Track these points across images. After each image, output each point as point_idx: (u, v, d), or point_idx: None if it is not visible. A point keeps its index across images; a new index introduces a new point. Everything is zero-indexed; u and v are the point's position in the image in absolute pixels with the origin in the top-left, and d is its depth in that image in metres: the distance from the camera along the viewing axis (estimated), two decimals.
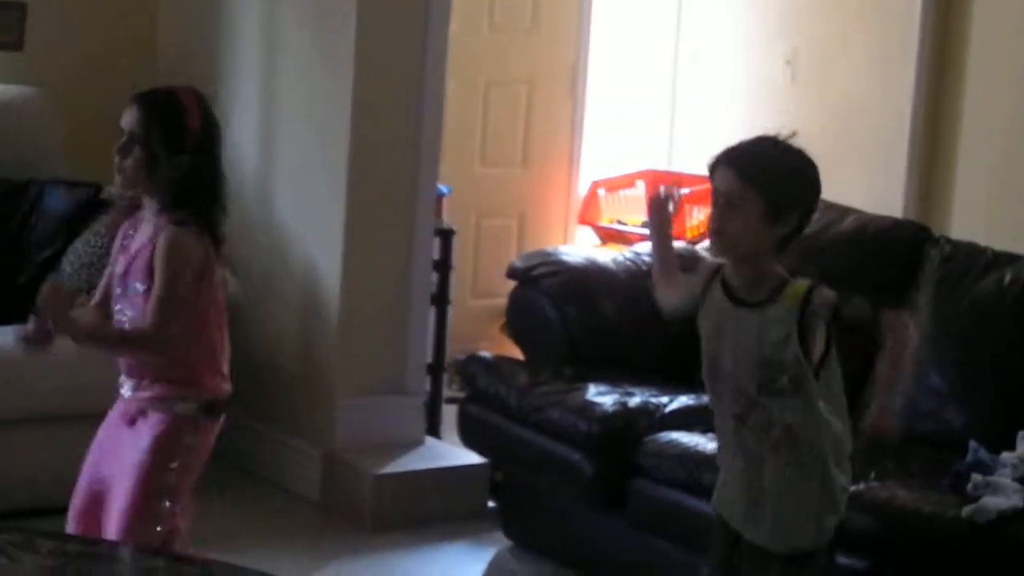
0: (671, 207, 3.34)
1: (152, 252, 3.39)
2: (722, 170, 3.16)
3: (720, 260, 3.26)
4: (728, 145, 3.19)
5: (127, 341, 3.47)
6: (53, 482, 4.69)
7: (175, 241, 3.38)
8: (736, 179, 3.12)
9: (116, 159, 3.43)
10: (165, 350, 3.42)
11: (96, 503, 3.52)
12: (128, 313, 3.46)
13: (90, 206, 5.14)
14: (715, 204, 3.16)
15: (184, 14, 5.95)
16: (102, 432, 3.58)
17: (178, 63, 5.65)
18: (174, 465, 3.46)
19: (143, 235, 3.47)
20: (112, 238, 3.64)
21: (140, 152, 3.40)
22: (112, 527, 3.44)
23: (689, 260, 3.40)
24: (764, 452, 3.19)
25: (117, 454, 3.50)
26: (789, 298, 3.13)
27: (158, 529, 3.43)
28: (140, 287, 3.42)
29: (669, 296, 3.36)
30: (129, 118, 3.43)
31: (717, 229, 3.16)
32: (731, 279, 3.21)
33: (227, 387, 3.54)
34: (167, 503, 3.45)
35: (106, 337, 3.52)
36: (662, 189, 3.40)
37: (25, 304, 4.99)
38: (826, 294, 3.13)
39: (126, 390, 3.52)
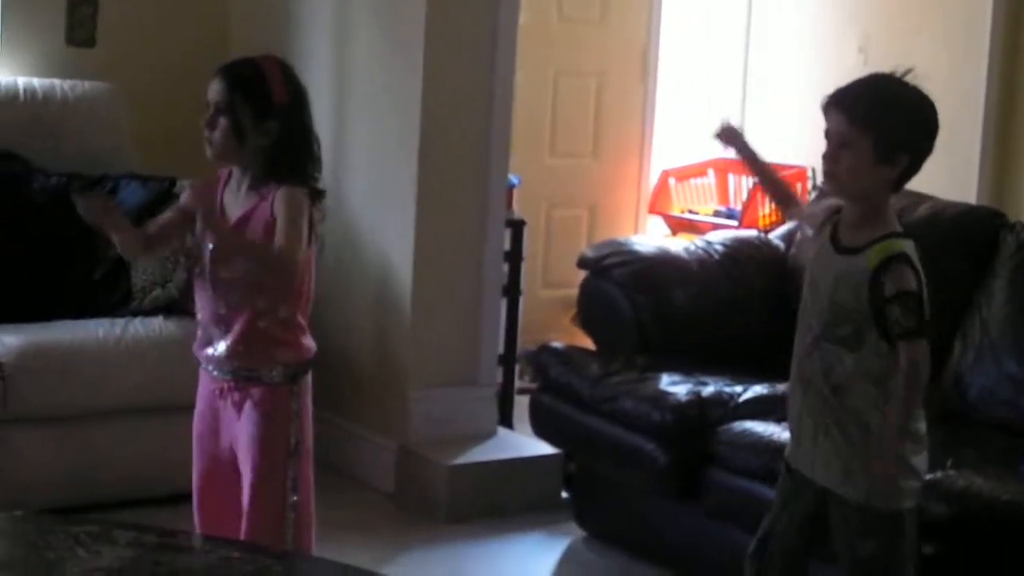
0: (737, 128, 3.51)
1: (266, 216, 3.37)
2: (833, 111, 3.19)
3: (838, 202, 3.29)
4: (840, 85, 3.21)
5: (264, 249, 3.37)
6: (140, 474, 4.77)
7: (293, 194, 3.38)
8: (845, 120, 3.16)
9: (205, 132, 3.44)
10: (290, 272, 3.38)
11: (220, 476, 3.53)
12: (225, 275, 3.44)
13: (164, 200, 5.15)
14: (828, 144, 3.20)
15: (257, 6, 5.99)
16: (201, 407, 3.56)
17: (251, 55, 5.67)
18: (290, 431, 3.48)
19: (240, 205, 3.45)
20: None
21: (226, 123, 3.41)
22: (245, 501, 3.46)
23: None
24: (826, 392, 3.20)
25: (229, 429, 3.50)
26: (875, 253, 3.14)
27: (295, 499, 3.46)
28: None
29: (793, 214, 3.64)
30: (214, 90, 3.45)
31: (829, 170, 3.21)
32: (844, 219, 3.24)
33: (314, 345, 3.55)
34: (293, 471, 3.47)
35: (244, 242, 3.42)
36: (721, 121, 3.52)
37: (100, 299, 5.07)
38: (903, 276, 3.11)
39: (218, 349, 3.47)
